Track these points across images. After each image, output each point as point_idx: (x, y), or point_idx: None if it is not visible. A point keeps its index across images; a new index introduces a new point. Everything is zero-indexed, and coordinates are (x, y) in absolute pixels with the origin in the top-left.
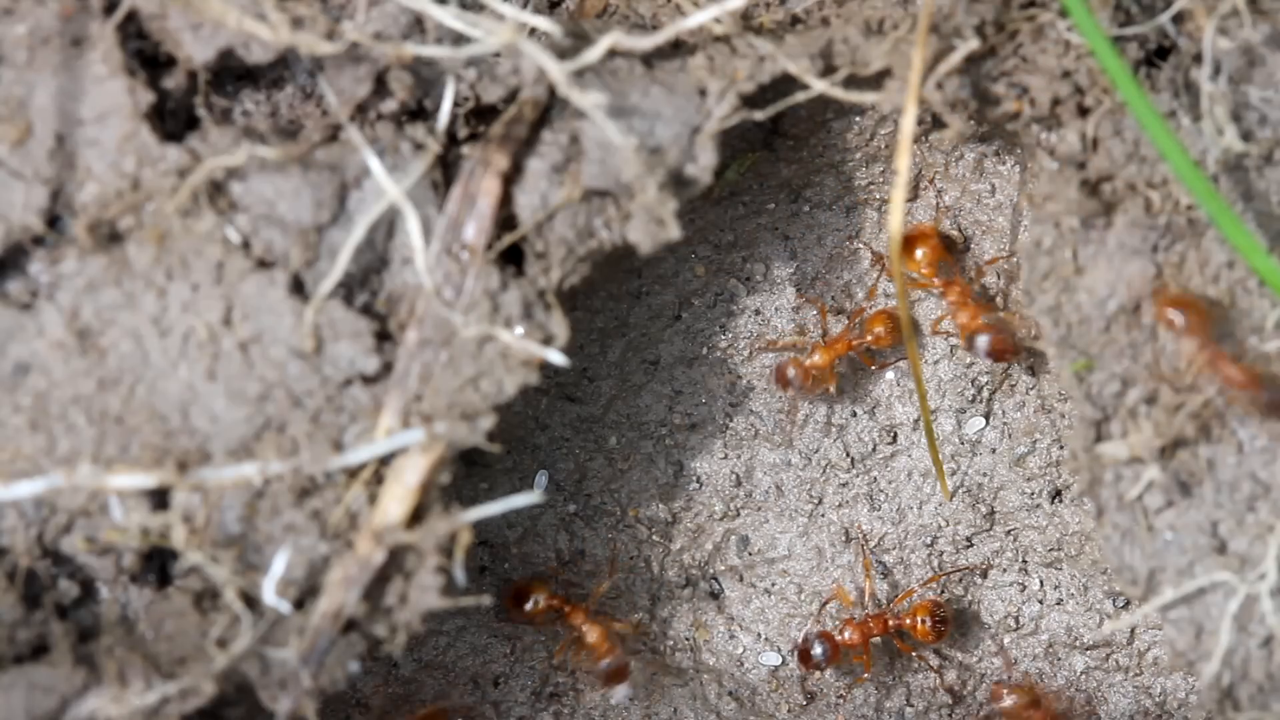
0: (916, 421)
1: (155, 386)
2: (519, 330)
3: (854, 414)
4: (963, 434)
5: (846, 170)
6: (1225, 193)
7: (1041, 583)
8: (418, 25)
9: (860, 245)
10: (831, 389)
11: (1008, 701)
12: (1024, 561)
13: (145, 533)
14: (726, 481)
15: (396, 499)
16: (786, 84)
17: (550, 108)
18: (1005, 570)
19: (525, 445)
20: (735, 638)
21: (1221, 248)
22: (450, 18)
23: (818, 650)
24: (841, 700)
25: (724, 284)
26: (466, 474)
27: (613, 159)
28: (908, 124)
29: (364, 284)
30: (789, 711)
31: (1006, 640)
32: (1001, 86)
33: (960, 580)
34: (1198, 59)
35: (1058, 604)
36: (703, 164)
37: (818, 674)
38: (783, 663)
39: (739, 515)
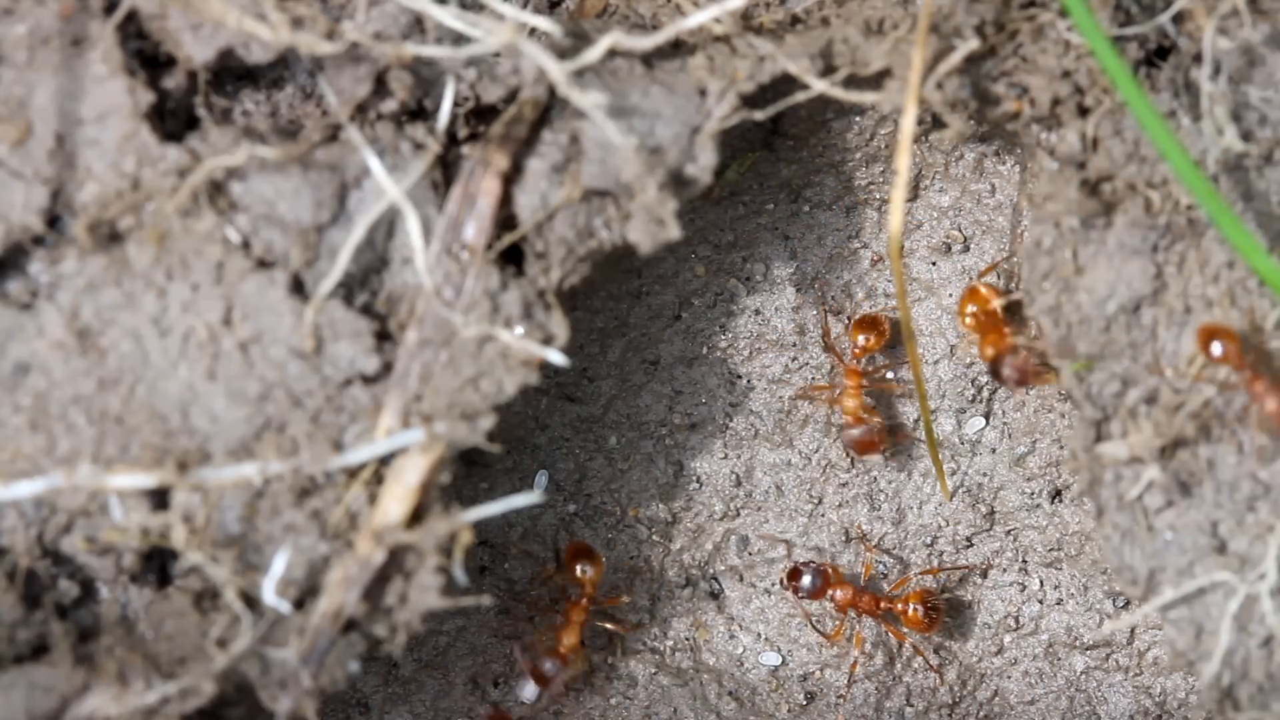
0: (916, 421)
1: (155, 386)
2: (519, 330)
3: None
4: (963, 434)
5: (846, 170)
6: (1225, 193)
7: (1041, 583)
8: (418, 25)
9: (860, 244)
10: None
11: None
12: (1024, 561)
13: (145, 533)
14: (726, 481)
15: (396, 499)
16: (786, 84)
17: (550, 108)
18: (1005, 570)
19: (525, 445)
20: (735, 638)
21: (1221, 248)
22: (450, 18)
23: (808, 579)
24: (841, 700)
25: (724, 284)
26: (466, 474)
27: (613, 159)
28: (908, 124)
29: (364, 284)
30: (789, 711)
31: (1007, 640)
32: (1001, 86)
33: (960, 580)
34: (1198, 59)
35: (1058, 604)
36: (703, 164)
37: (796, 598)
38: (783, 663)
39: (739, 515)
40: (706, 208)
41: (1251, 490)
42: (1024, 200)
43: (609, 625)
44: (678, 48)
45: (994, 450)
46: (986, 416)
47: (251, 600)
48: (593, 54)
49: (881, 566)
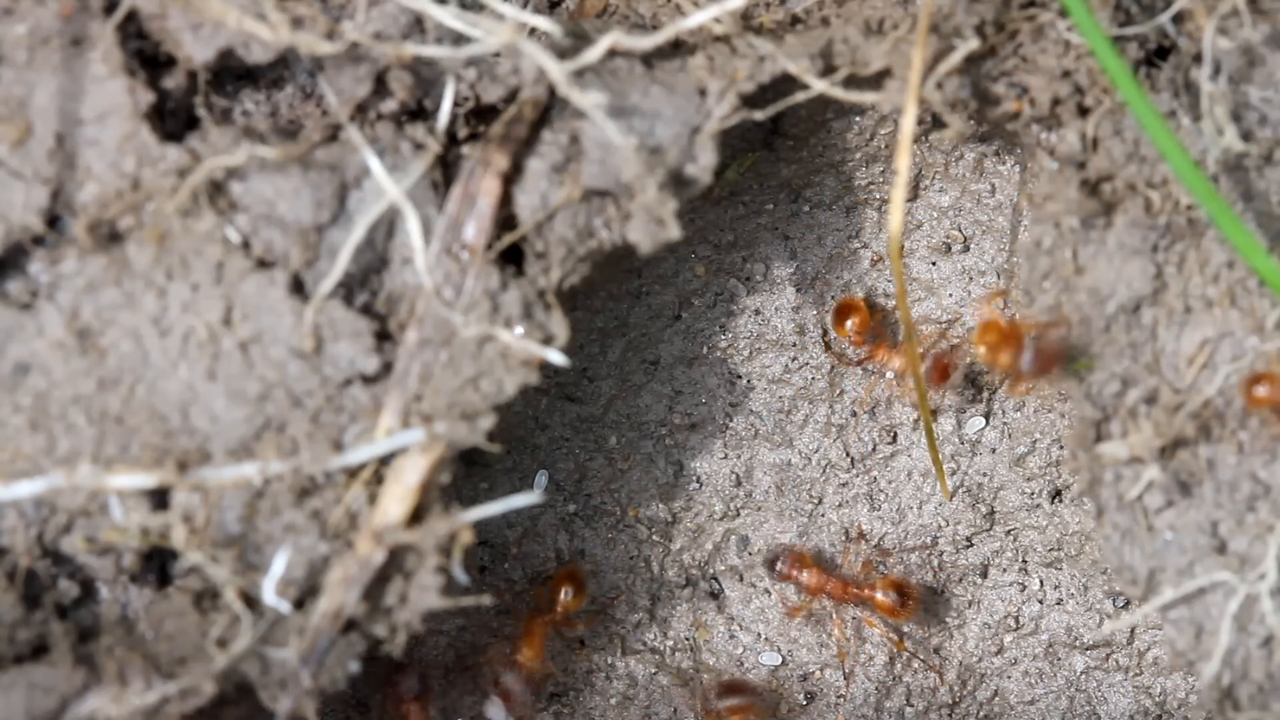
0: (916, 421)
1: (155, 386)
2: (519, 330)
3: (854, 414)
4: (963, 434)
5: (846, 170)
6: (1225, 193)
7: (1041, 583)
8: (418, 25)
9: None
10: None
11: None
12: (1024, 561)
13: (145, 533)
14: (726, 481)
15: (396, 499)
16: (786, 84)
17: (550, 108)
18: (1005, 570)
19: (525, 445)
20: (735, 638)
21: (1221, 248)
22: (450, 18)
23: (781, 564)
24: (841, 700)
25: (724, 284)
26: (466, 474)
27: (613, 159)
28: (908, 124)
29: (364, 284)
30: (789, 711)
31: (1007, 640)
32: (1001, 86)
33: (960, 580)
34: (1198, 59)
35: (1058, 604)
36: (703, 164)
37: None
38: (783, 663)
39: (739, 515)
40: (706, 208)
41: (1251, 490)
42: (1024, 200)
43: (578, 630)
44: (678, 48)
45: (994, 450)
46: (986, 416)
47: (251, 600)
48: (593, 54)
49: (882, 567)
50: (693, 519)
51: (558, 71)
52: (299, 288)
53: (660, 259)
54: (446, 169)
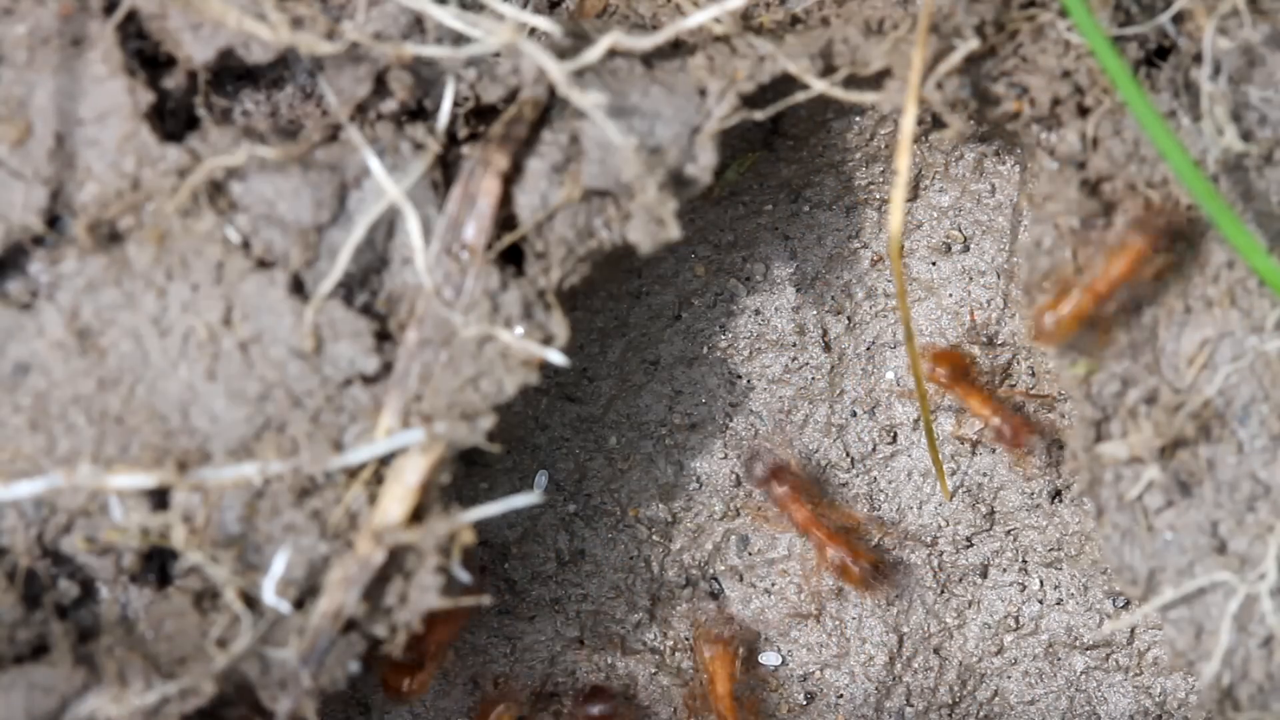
0: (916, 421)
1: (155, 386)
2: (519, 330)
3: (854, 414)
4: (963, 434)
5: (846, 170)
6: (1225, 193)
7: (1041, 583)
8: (418, 25)
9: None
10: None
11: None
12: (1024, 561)
13: (145, 533)
14: (726, 481)
15: (396, 499)
16: (786, 84)
17: (550, 108)
18: (1005, 570)
19: (525, 445)
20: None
21: (1221, 248)
22: (450, 18)
23: (758, 468)
24: (841, 700)
25: (724, 284)
26: (466, 474)
27: (613, 159)
28: (908, 124)
29: (364, 284)
30: (789, 711)
31: (1007, 640)
32: (1001, 86)
33: (960, 580)
34: (1198, 59)
35: (1058, 604)
36: (703, 164)
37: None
38: (783, 663)
39: (739, 515)
40: (706, 208)
41: (1251, 490)
42: (1024, 200)
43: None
44: (678, 48)
45: (994, 450)
46: None
47: (251, 600)
48: (593, 54)
49: (877, 544)
50: (693, 519)
51: (558, 71)
52: (299, 288)
53: (660, 259)
54: (446, 169)
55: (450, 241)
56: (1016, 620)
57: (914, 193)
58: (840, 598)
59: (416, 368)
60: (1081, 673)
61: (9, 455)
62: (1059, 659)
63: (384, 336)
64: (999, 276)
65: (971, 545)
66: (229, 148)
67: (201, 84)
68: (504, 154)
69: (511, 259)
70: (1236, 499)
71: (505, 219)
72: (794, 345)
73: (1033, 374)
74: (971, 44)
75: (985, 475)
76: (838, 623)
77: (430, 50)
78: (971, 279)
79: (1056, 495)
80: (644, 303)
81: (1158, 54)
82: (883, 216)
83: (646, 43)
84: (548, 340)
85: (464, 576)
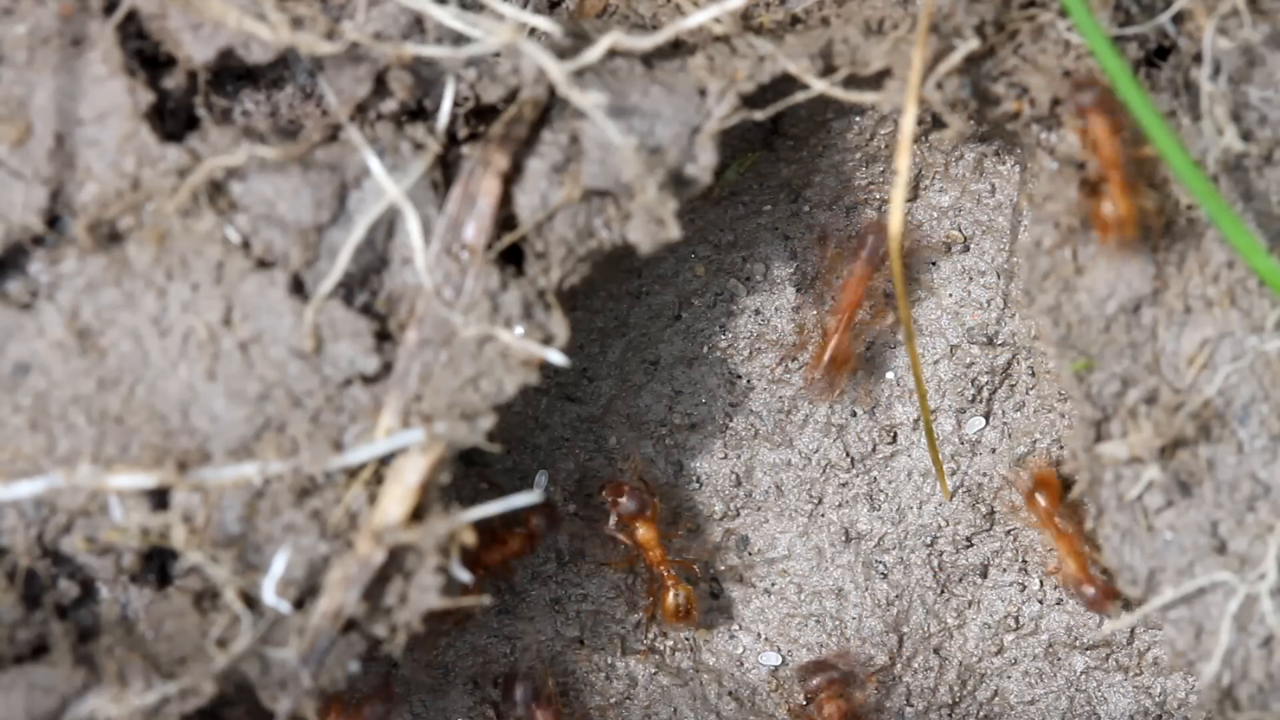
0: (916, 421)
1: (155, 386)
2: (519, 330)
3: (854, 414)
4: (963, 434)
5: (846, 170)
6: (1225, 193)
7: (1041, 583)
8: (418, 25)
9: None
10: None
11: None
12: (1024, 561)
13: (145, 533)
14: (726, 481)
15: (396, 499)
16: (786, 84)
17: (550, 108)
18: (1005, 570)
19: (525, 445)
20: (735, 638)
21: (1221, 248)
22: (450, 18)
23: (608, 489)
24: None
25: (724, 284)
26: (466, 474)
27: (613, 159)
28: (908, 124)
29: (364, 284)
30: (789, 712)
31: (1007, 640)
32: (1001, 86)
33: (960, 580)
34: (1198, 59)
35: (1058, 604)
36: (703, 164)
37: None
38: (783, 663)
39: (739, 515)
40: (706, 208)
41: (1251, 490)
42: (1024, 200)
43: None
44: (678, 48)
45: (994, 450)
46: (986, 416)
47: (251, 600)
48: (593, 54)
49: (882, 566)
50: (693, 519)
51: (558, 71)
52: (299, 288)
53: (660, 259)
54: (446, 169)
55: (450, 241)
56: (1016, 620)
57: (914, 193)
58: (840, 598)
59: (416, 368)
60: (1081, 673)
61: (9, 455)
62: (1059, 659)
63: (384, 336)
64: (999, 276)
65: (971, 545)
66: (229, 148)
67: (201, 84)
68: (504, 154)
69: (511, 259)
70: (1236, 499)
71: (505, 219)
72: (794, 345)
73: (1032, 374)
74: (971, 44)
75: (985, 475)
76: (838, 623)
77: (430, 50)
78: (971, 279)
79: None
80: (644, 303)
81: (1158, 54)
82: (883, 216)
83: (646, 43)
84: (548, 340)
85: (465, 576)
